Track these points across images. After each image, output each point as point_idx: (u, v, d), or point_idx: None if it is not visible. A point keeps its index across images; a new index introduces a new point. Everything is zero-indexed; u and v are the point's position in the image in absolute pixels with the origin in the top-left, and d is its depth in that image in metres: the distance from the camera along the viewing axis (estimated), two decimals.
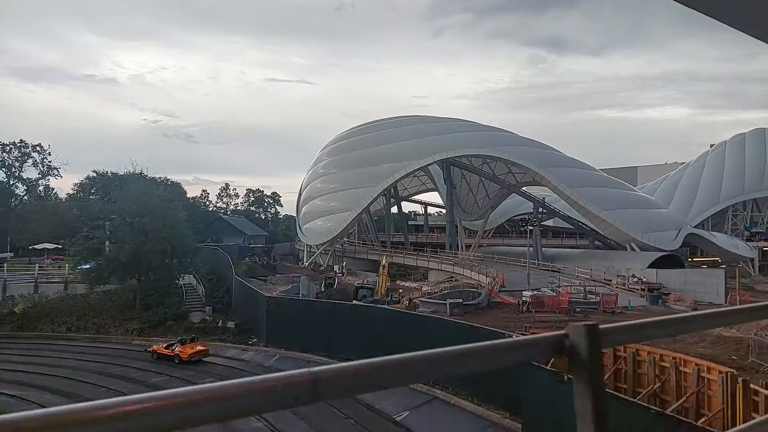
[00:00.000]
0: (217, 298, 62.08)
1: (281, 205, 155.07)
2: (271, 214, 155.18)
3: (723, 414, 21.98)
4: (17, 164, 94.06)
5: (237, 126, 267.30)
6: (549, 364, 26.66)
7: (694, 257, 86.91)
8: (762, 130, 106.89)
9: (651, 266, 66.74)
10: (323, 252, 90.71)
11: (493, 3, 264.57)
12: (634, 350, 27.54)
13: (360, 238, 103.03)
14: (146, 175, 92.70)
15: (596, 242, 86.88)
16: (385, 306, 47.72)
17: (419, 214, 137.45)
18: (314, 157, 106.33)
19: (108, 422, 0.96)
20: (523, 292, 52.05)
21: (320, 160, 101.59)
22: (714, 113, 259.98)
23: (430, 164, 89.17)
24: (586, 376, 1.70)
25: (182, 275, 65.59)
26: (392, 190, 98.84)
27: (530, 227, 78.04)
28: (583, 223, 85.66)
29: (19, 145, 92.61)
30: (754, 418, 16.28)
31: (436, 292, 57.21)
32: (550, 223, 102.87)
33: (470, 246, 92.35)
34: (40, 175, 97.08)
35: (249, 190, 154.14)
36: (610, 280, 63.32)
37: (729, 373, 22.46)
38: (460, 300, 49.53)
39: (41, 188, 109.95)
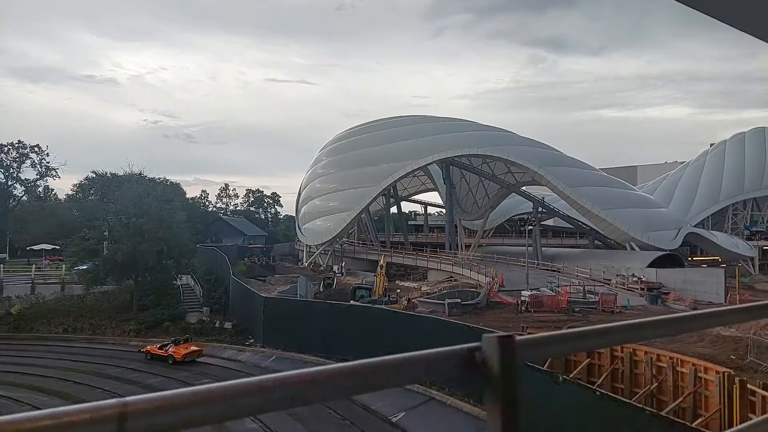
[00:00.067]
0: (215, 299, 61.87)
1: (281, 206, 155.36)
2: (271, 214, 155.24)
3: (720, 414, 21.81)
4: (15, 165, 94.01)
5: (237, 126, 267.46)
6: (546, 365, 26.54)
7: (694, 256, 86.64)
8: (762, 129, 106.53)
9: (651, 265, 66.49)
10: (323, 252, 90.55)
11: (492, 3, 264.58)
12: (631, 350, 27.39)
13: (360, 238, 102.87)
14: (145, 176, 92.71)
15: (596, 242, 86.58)
16: (382, 306, 47.49)
17: (419, 214, 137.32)
18: (313, 157, 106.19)
19: (106, 423, 0.96)
20: (522, 292, 51.95)
21: (319, 160, 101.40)
22: (714, 112, 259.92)
23: (429, 164, 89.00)
24: (499, 395, 1.52)
25: (180, 276, 65.41)
26: (392, 190, 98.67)
27: (529, 227, 77.92)
28: (582, 223, 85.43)
29: (17, 145, 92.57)
30: (751, 419, 16.14)
31: (435, 292, 57.14)
32: (550, 222, 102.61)
33: (470, 246, 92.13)
34: (38, 176, 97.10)
35: (249, 191, 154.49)
36: (610, 280, 63.14)
37: (726, 374, 22.27)
38: (459, 300, 49.45)
39: (41, 189, 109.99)
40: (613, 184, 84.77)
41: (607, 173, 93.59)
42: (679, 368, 25.32)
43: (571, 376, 27.18)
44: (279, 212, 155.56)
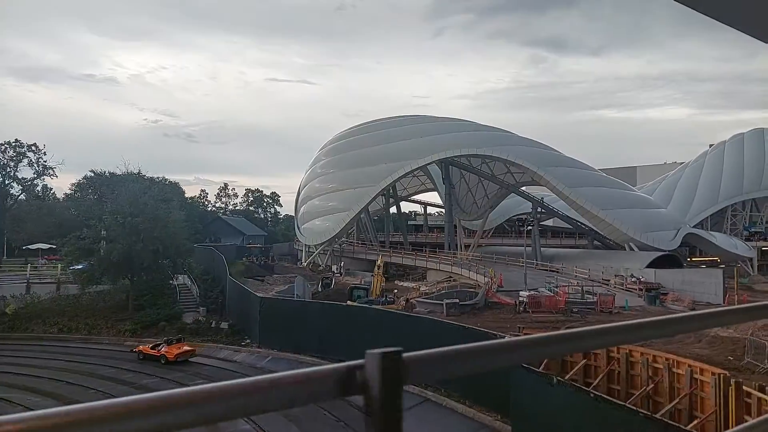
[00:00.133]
0: (212, 299, 61.63)
1: (280, 205, 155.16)
2: (270, 214, 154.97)
3: (716, 416, 21.59)
4: (12, 164, 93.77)
5: (237, 126, 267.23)
6: (541, 366, 26.34)
7: (693, 257, 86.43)
8: (761, 130, 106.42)
9: (649, 266, 66.35)
10: (322, 252, 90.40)
11: (493, 3, 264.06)
12: (627, 351, 27.14)
13: (359, 238, 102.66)
14: (144, 175, 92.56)
15: (595, 242, 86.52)
16: (378, 306, 47.29)
17: (419, 214, 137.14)
18: (313, 156, 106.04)
19: (103, 423, 0.96)
20: (520, 292, 51.89)
21: (318, 160, 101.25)
22: (714, 113, 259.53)
23: (428, 164, 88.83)
24: (379, 422, 1.31)
25: (176, 275, 65.22)
26: (391, 190, 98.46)
27: (528, 227, 77.79)
28: (581, 223, 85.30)
29: (14, 144, 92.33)
30: (746, 421, 15.90)
31: (434, 292, 57.00)
32: (549, 223, 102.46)
33: (469, 246, 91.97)
34: (36, 175, 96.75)
35: (248, 190, 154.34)
36: (609, 280, 62.99)
37: (722, 375, 22.05)
38: (457, 300, 49.27)
39: (39, 188, 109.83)
40: (612, 185, 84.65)
41: (606, 174, 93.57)
42: (675, 369, 25.06)
43: (567, 377, 27.02)
44: (279, 212, 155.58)
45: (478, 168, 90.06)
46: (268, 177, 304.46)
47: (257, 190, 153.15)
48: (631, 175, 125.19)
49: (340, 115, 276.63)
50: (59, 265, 67.79)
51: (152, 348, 45.25)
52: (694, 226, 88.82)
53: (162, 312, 56.20)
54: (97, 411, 0.95)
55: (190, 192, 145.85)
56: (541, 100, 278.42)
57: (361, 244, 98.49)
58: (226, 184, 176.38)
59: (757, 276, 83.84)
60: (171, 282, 64.16)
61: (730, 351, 33.30)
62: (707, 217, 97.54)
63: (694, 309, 44.72)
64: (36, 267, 74.58)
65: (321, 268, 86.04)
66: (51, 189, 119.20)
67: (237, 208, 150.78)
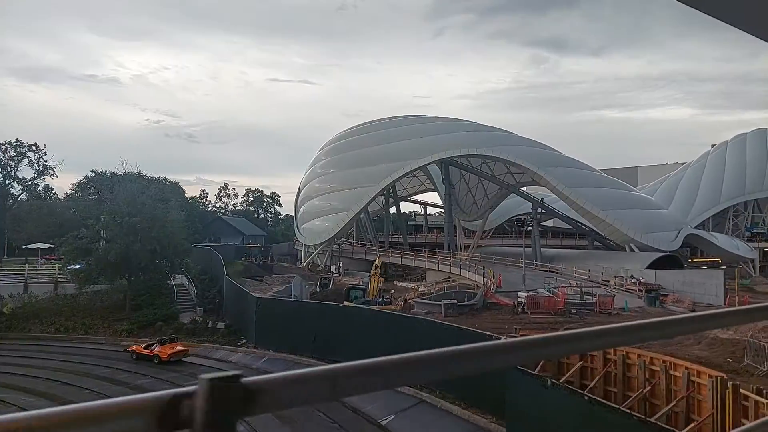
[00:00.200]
0: (209, 299, 61.48)
1: (280, 205, 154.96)
2: (270, 214, 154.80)
3: (713, 419, 21.35)
4: (13, 164, 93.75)
5: (238, 126, 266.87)
6: (537, 370, 26.09)
7: (695, 258, 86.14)
8: (763, 130, 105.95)
9: (650, 267, 66.08)
10: (321, 252, 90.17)
11: (493, 3, 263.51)
12: (624, 353, 26.89)
13: (359, 238, 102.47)
14: (144, 175, 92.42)
15: (595, 243, 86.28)
16: (375, 307, 47.05)
17: (419, 215, 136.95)
18: (313, 156, 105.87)
19: (101, 423, 0.95)
20: (519, 293, 51.66)
21: (318, 160, 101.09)
22: (716, 113, 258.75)
23: (428, 164, 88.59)
24: None
25: (174, 275, 65.02)
26: (391, 190, 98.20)
27: (528, 228, 77.53)
28: (582, 224, 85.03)
29: (14, 144, 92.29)
30: (743, 424, 15.62)
31: (432, 293, 56.79)
32: (549, 223, 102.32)
33: (469, 246, 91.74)
34: (36, 175, 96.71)
35: (248, 190, 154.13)
36: (608, 281, 62.74)
37: (719, 378, 21.79)
38: (455, 301, 49.04)
39: (40, 188, 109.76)
40: (612, 185, 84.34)
41: (607, 174, 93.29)
42: (672, 372, 24.83)
43: (563, 379, 26.78)
44: (279, 212, 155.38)
45: (478, 168, 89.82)
46: (268, 177, 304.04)
47: (257, 190, 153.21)
48: (632, 176, 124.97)
49: (340, 115, 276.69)
50: (57, 265, 67.64)
51: (145, 348, 45.15)
52: (696, 227, 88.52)
53: (159, 312, 56.07)
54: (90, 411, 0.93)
55: (192, 192, 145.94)
56: (542, 101, 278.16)
57: (361, 244, 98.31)
58: (226, 184, 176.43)
59: (759, 277, 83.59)
60: (168, 282, 64.05)
61: (730, 353, 33.06)
62: (709, 218, 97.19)
63: (694, 310, 44.45)
64: (35, 267, 74.46)
65: (320, 268, 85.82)
66: (52, 189, 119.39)
67: (237, 208, 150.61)
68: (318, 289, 63.97)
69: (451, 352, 1.36)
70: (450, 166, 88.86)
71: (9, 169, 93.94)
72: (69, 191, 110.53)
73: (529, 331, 35.54)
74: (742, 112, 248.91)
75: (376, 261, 63.25)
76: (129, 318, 55.97)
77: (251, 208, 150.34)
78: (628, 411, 19.59)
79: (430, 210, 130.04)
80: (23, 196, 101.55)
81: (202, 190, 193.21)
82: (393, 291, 60.64)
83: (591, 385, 26.61)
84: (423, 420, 30.35)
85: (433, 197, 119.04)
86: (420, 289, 63.00)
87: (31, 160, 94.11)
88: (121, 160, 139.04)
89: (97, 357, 46.66)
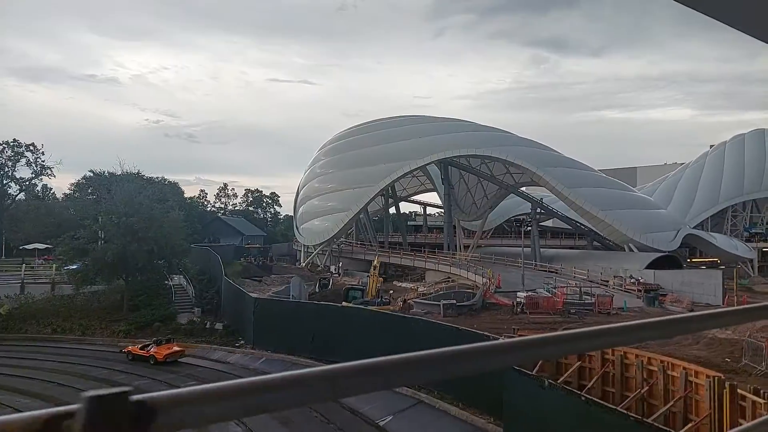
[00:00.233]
0: (207, 299, 61.21)
1: (280, 205, 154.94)
2: (270, 214, 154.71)
3: (710, 419, 21.26)
4: (10, 164, 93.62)
5: (238, 126, 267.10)
6: (535, 370, 26.00)
7: (693, 258, 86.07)
8: (762, 130, 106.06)
9: (649, 267, 66.05)
10: (320, 252, 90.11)
11: (494, 3, 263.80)
12: (622, 353, 26.81)
13: (358, 238, 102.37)
14: (143, 175, 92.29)
15: (594, 243, 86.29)
16: (373, 307, 46.93)
17: (419, 215, 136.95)
18: (312, 156, 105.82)
19: None
20: (518, 293, 51.60)
21: (318, 160, 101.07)
22: (715, 114, 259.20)
23: (427, 164, 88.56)
24: None
25: (172, 276, 64.89)
26: (390, 190, 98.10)
27: (527, 228, 77.50)
28: (581, 224, 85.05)
29: (12, 144, 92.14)
30: (741, 424, 15.50)
31: (432, 293, 56.72)
32: (549, 223, 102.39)
33: (468, 246, 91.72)
34: (34, 175, 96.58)
35: (248, 190, 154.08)
36: (608, 281, 62.68)
37: (716, 378, 21.71)
38: (454, 301, 48.97)
39: (39, 188, 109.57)
40: (611, 185, 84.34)
41: (606, 174, 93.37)
42: (669, 372, 24.76)
43: (561, 379, 26.70)
44: (278, 212, 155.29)
45: (478, 168, 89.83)
46: (268, 177, 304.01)
47: (257, 191, 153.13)
48: (631, 176, 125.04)
49: (340, 115, 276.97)
50: (54, 265, 67.49)
51: (141, 348, 45.01)
52: (695, 227, 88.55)
53: (157, 313, 55.88)
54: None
55: (192, 192, 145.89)
56: (542, 101, 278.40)
57: (360, 244, 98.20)
58: (225, 184, 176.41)
59: (758, 277, 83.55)
60: (166, 282, 63.89)
61: (728, 353, 32.99)
62: (707, 218, 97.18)
63: (692, 310, 44.35)
64: (32, 267, 74.29)
65: (320, 268, 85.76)
66: (51, 189, 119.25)
67: (236, 208, 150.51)
68: (317, 290, 63.88)
69: (449, 352, 1.35)
70: (449, 167, 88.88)
71: (6, 169, 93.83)
72: (67, 191, 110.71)
73: (528, 331, 35.48)
74: (742, 113, 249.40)
75: (375, 261, 63.11)
76: (126, 319, 55.72)
77: (250, 208, 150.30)
78: (625, 411, 19.48)
79: (429, 210, 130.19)
80: (21, 196, 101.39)
81: (201, 190, 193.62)
82: (391, 291, 60.52)
83: (589, 386, 26.52)
84: (421, 420, 30.24)
85: (432, 197, 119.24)
86: (419, 290, 62.92)
87: (29, 160, 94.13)
88: (118, 160, 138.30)
89: (94, 358, 46.44)
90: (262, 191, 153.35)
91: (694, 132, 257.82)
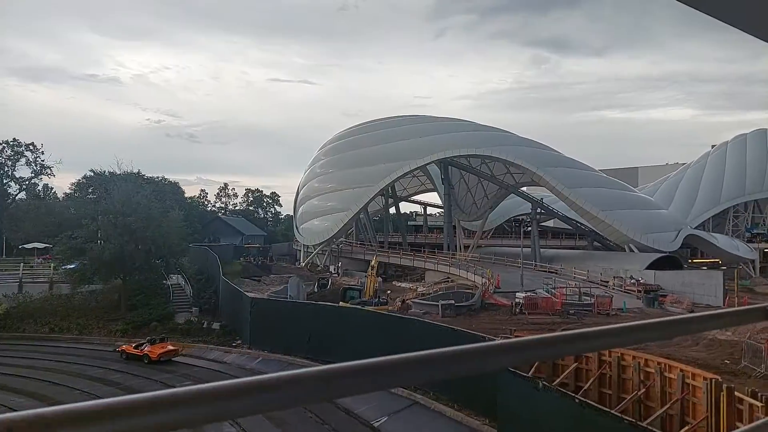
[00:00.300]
0: (205, 299, 61.05)
1: (280, 205, 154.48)
2: (271, 214, 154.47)
3: (707, 422, 21.02)
4: (10, 163, 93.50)
5: (239, 126, 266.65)
6: (531, 371, 25.76)
7: (694, 258, 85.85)
8: (763, 130, 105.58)
9: (649, 267, 65.85)
10: (320, 252, 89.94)
11: (495, 4, 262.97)
12: (619, 354, 26.57)
13: (358, 238, 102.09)
14: (143, 175, 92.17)
15: (595, 243, 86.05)
16: (370, 308, 46.71)
17: (419, 215, 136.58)
18: (312, 156, 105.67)
19: (105, 422, 0.93)
20: (517, 294, 51.43)
21: (317, 160, 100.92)
22: (717, 114, 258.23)
23: (427, 164, 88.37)
24: None
25: (170, 275, 64.70)
26: (390, 190, 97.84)
27: (527, 228, 77.36)
28: (581, 224, 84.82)
29: (12, 144, 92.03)
30: (737, 427, 15.27)
31: (431, 293, 56.55)
32: (549, 223, 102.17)
33: (468, 246, 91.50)
34: (33, 175, 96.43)
35: (248, 190, 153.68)
36: (607, 282, 62.46)
37: (713, 380, 21.46)
38: (453, 301, 48.79)
39: (40, 188, 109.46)
40: (612, 185, 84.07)
41: (607, 174, 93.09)
42: (667, 374, 24.52)
43: (557, 381, 26.48)
44: (279, 212, 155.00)
45: (478, 168, 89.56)
46: (269, 177, 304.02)
47: (257, 190, 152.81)
48: (632, 176, 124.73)
49: (340, 115, 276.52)
50: (52, 265, 67.32)
51: (135, 347, 44.93)
52: (696, 228, 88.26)
53: (154, 312, 55.73)
54: (85, 411, 0.91)
55: (193, 192, 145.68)
56: (543, 101, 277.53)
57: (360, 244, 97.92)
58: (225, 184, 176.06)
59: (759, 278, 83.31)
60: (165, 282, 63.71)
61: (728, 354, 32.80)
62: (709, 219, 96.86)
63: (692, 311, 44.09)
64: (32, 266, 74.13)
65: (319, 268, 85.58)
66: (52, 189, 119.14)
67: (237, 208, 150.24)
68: (316, 290, 63.75)
69: (445, 353, 1.34)
70: (449, 167, 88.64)
71: (6, 169, 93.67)
72: (68, 191, 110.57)
73: (525, 332, 35.28)
74: (744, 113, 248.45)
75: (373, 261, 62.92)
76: (124, 318, 55.62)
77: (251, 208, 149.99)
78: (619, 414, 19.24)
79: (430, 210, 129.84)
80: (21, 195, 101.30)
81: (202, 190, 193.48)
82: (389, 291, 60.40)
83: (586, 387, 26.31)
84: (416, 422, 30.03)
85: (433, 197, 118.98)
86: (418, 290, 62.79)
87: (29, 159, 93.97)
88: (115, 160, 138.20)
89: (90, 357, 46.32)
90: (262, 191, 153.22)
91: (696, 132, 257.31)
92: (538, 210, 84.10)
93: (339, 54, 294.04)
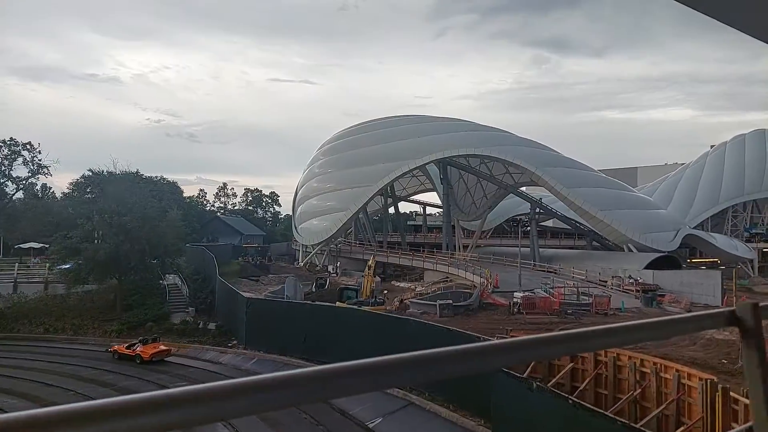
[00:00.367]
0: (201, 299, 60.77)
1: (279, 205, 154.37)
2: (270, 214, 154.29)
3: (703, 423, 20.83)
4: (6, 163, 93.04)
5: (239, 126, 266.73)
6: (527, 372, 25.56)
7: (693, 258, 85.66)
8: (762, 131, 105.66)
9: (648, 267, 65.73)
10: (319, 252, 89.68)
11: (495, 3, 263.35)
12: (615, 354, 26.37)
13: (357, 238, 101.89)
14: (142, 174, 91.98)
15: (594, 243, 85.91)
16: (367, 308, 46.51)
17: (419, 215, 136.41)
18: (311, 156, 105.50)
19: (99, 423, 0.93)
20: (515, 294, 51.30)
21: (316, 160, 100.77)
22: (717, 114, 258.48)
23: (426, 164, 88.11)
24: None
25: (166, 275, 64.45)
26: (389, 190, 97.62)
27: (526, 228, 77.21)
28: (580, 224, 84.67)
29: (8, 143, 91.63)
30: (733, 428, 15.10)
31: (429, 293, 56.43)
32: (549, 223, 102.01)
33: (468, 246, 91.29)
34: (30, 174, 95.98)
35: (247, 190, 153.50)
36: (606, 281, 62.31)
37: (709, 381, 21.26)
38: (450, 301, 48.68)
39: (38, 187, 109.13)
40: (610, 185, 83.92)
41: (606, 174, 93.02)
42: (662, 374, 24.31)
43: (553, 381, 26.29)
44: (279, 212, 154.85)
45: (477, 168, 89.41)
46: (269, 177, 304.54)
47: (256, 190, 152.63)
48: (631, 176, 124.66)
49: (341, 115, 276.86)
50: (47, 264, 67.08)
51: (127, 348, 44.78)
52: (695, 227, 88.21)
53: (150, 312, 55.53)
54: (78, 412, 0.91)
55: (193, 192, 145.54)
56: (544, 101, 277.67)
57: (359, 244, 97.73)
58: (225, 184, 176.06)
59: (758, 278, 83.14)
60: (161, 282, 63.46)
61: (725, 354, 32.64)
62: (708, 218, 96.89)
63: (690, 311, 43.92)
64: (28, 266, 73.88)
65: (318, 268, 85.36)
66: (50, 188, 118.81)
67: (236, 207, 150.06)
68: (314, 289, 63.56)
69: (441, 353, 1.33)
70: (448, 166, 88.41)
71: (3, 168, 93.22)
72: (65, 190, 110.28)
73: (523, 332, 35.09)
74: (744, 114, 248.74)
75: (370, 261, 62.69)
76: (119, 318, 55.42)
77: (250, 208, 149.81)
78: (613, 416, 19.02)
79: (429, 210, 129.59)
80: (18, 194, 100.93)
81: (201, 190, 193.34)
82: (386, 291, 60.29)
83: (581, 387, 26.12)
84: (411, 423, 29.82)
85: (432, 197, 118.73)
86: (417, 290, 62.68)
87: (26, 159, 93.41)
88: (111, 159, 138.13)
89: (85, 358, 46.04)
90: (261, 191, 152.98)
91: (695, 132, 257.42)
92: (537, 210, 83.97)
93: (339, 54, 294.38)
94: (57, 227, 69.60)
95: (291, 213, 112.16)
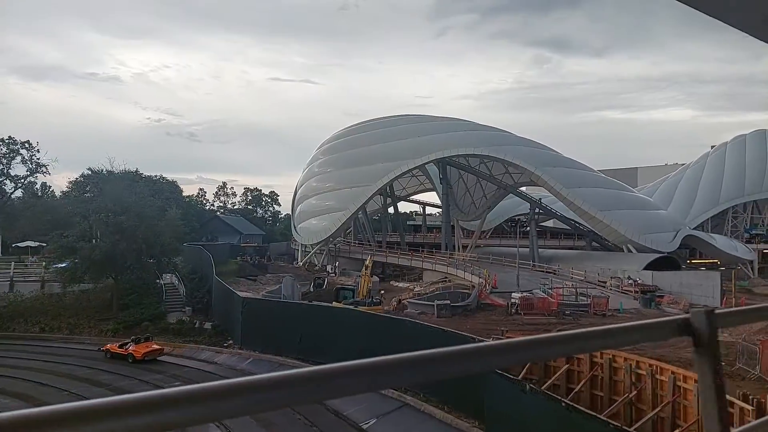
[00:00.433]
0: (198, 299, 60.59)
1: (279, 204, 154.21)
2: (270, 213, 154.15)
3: (698, 425, 20.62)
4: (5, 161, 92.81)
5: (239, 125, 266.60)
6: (522, 373, 25.37)
7: (693, 259, 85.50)
8: (763, 131, 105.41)
9: (647, 268, 65.60)
10: (318, 251, 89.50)
11: (496, 3, 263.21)
12: (611, 356, 26.18)
13: (356, 237, 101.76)
14: (141, 173, 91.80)
15: (593, 243, 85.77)
16: (363, 308, 46.30)
17: (419, 214, 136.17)
18: (310, 155, 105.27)
19: (96, 422, 0.93)
20: (513, 294, 51.20)
21: (316, 159, 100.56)
22: (718, 115, 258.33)
23: (425, 163, 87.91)
24: None
25: (163, 275, 64.22)
26: (389, 190, 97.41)
27: (526, 228, 77.05)
28: (580, 224, 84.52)
29: (7, 141, 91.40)
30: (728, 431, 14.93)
31: (427, 293, 56.31)
32: (549, 223, 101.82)
33: (467, 246, 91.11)
34: (29, 173, 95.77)
35: (247, 189, 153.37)
36: (605, 282, 62.11)
37: None
38: (448, 301, 48.58)
39: (38, 186, 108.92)
40: (610, 185, 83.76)
41: (606, 174, 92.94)
42: (658, 376, 24.13)
43: (548, 382, 26.11)
44: (278, 211, 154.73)
45: (477, 168, 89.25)
46: (270, 176, 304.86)
47: (255, 189, 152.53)
48: (632, 176, 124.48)
49: (341, 114, 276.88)
50: (43, 263, 66.83)
51: (120, 347, 44.62)
52: (695, 228, 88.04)
53: (146, 312, 55.23)
54: (73, 412, 0.91)
55: (193, 191, 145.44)
56: (544, 101, 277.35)
57: (358, 244, 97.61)
58: (224, 183, 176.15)
59: (758, 279, 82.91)
60: (158, 281, 63.19)
61: (723, 355, 31.99)
62: (708, 219, 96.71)
63: (688, 311, 43.69)
64: (26, 265, 73.64)
65: (317, 267, 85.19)
66: (50, 187, 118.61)
67: (235, 207, 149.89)
68: (311, 289, 63.38)
69: (436, 354, 1.34)
70: (448, 166, 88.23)
71: (1, 167, 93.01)
72: (65, 189, 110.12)
73: (519, 332, 34.92)
74: (744, 114, 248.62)
75: (368, 261, 62.54)
76: (116, 318, 55.15)
77: (249, 207, 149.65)
78: (606, 419, 18.83)
79: (429, 210, 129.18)
80: (17, 193, 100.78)
81: (201, 189, 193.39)
82: (382, 291, 60.15)
83: (577, 389, 25.95)
84: (406, 424, 29.63)
85: (432, 197, 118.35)
86: (415, 290, 62.53)
87: (24, 157, 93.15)
88: (108, 158, 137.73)
89: (80, 357, 45.76)
90: (261, 190, 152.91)
91: (696, 133, 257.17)
92: (537, 210, 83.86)
93: (340, 53, 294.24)
94: (55, 226, 69.46)
95: (290, 212, 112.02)
